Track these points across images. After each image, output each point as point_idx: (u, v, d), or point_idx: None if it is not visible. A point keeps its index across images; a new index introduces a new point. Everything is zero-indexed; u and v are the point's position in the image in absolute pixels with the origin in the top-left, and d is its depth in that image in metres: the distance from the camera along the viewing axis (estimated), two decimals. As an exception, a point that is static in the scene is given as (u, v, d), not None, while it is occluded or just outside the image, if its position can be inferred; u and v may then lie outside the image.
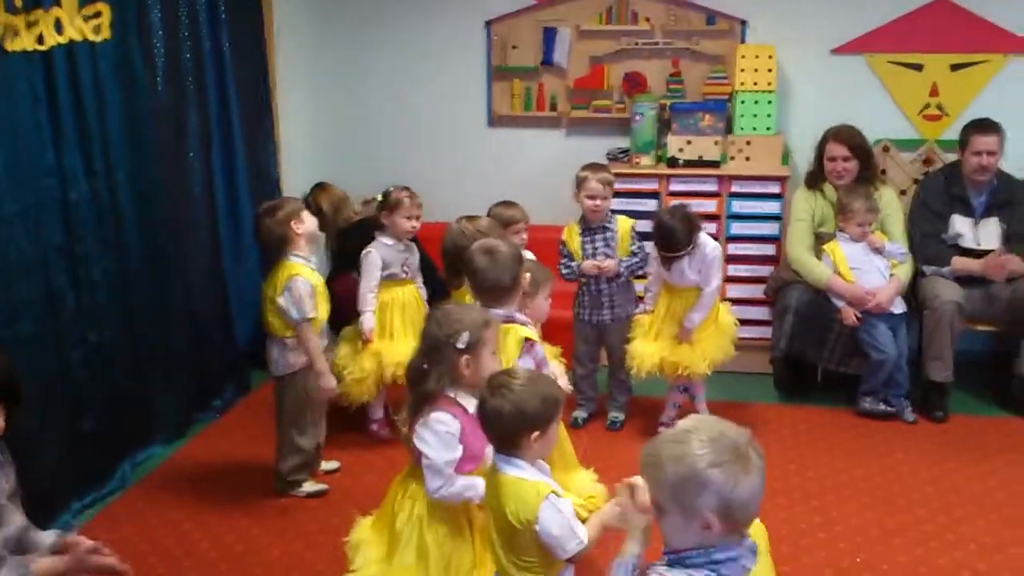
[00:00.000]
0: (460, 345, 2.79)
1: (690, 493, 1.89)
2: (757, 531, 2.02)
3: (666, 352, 4.52)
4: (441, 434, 2.76)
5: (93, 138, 4.04)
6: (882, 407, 4.81)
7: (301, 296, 3.85)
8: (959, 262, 4.89)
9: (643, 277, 4.77)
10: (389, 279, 4.51)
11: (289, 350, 3.96)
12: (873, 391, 4.81)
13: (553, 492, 2.46)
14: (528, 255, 4.47)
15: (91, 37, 3.99)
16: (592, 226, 4.62)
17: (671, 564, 1.93)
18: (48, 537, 2.85)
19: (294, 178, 5.53)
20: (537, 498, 2.43)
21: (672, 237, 4.35)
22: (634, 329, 4.65)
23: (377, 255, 4.48)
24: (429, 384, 2.82)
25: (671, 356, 4.50)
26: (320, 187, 4.99)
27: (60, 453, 3.84)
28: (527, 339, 3.25)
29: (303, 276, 3.88)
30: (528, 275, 3.44)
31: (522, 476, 2.48)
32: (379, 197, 4.52)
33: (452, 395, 2.81)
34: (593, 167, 4.65)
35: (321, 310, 3.97)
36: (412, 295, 4.58)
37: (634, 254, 4.63)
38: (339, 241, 4.91)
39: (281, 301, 3.87)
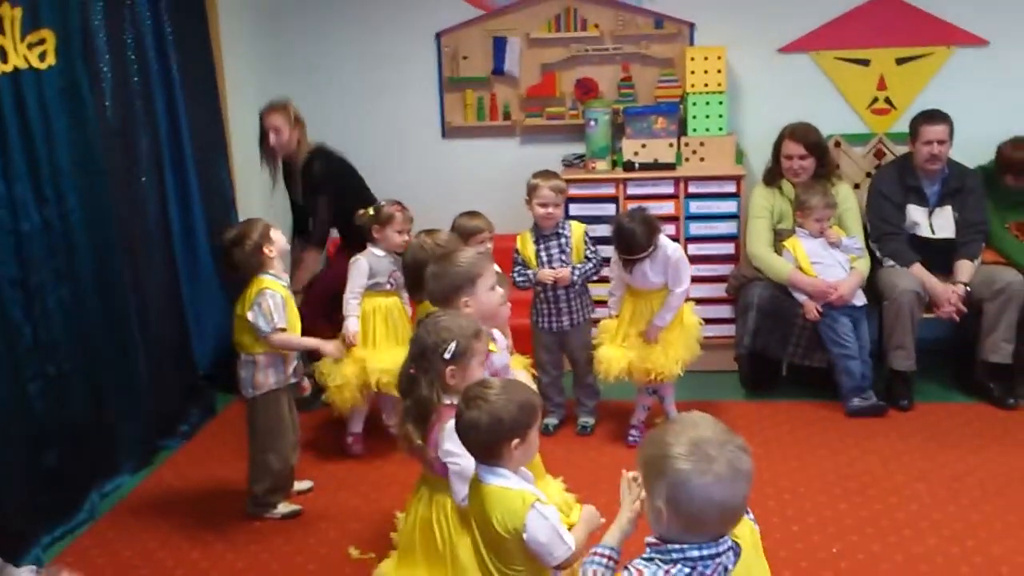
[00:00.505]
0: (446, 356, 2.79)
1: (649, 477, 1.93)
2: (745, 531, 2.02)
3: (634, 356, 4.52)
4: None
5: (42, 166, 3.97)
6: (872, 400, 4.83)
7: (271, 308, 3.83)
8: (920, 272, 4.94)
9: (601, 281, 4.78)
10: (374, 288, 4.51)
11: (259, 369, 3.92)
12: (856, 389, 4.83)
13: (538, 500, 2.45)
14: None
15: (36, 64, 3.92)
16: (546, 233, 4.63)
17: (648, 558, 1.93)
18: (25, 573, 2.80)
19: (248, 196, 5.48)
20: (523, 506, 2.42)
21: (632, 240, 4.36)
22: (600, 335, 4.66)
23: (365, 263, 4.49)
24: (422, 391, 2.81)
25: (640, 360, 4.50)
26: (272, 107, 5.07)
27: (24, 487, 3.75)
28: None
29: (272, 289, 3.87)
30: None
31: (507, 485, 2.46)
32: (371, 211, 4.51)
33: (450, 403, 2.79)
34: (544, 174, 4.65)
35: (294, 322, 3.94)
36: (396, 305, 4.56)
37: (588, 259, 4.63)
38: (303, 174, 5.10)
39: (250, 315, 3.85)
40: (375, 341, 4.48)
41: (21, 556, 3.58)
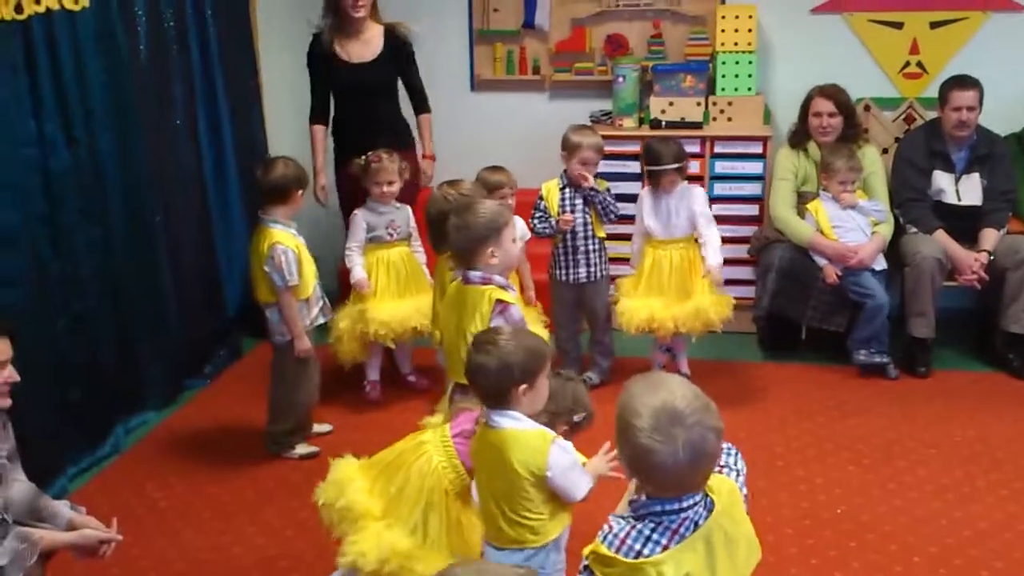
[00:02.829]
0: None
1: (617, 435, 1.96)
2: (723, 488, 2.03)
3: (656, 309, 4.53)
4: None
5: (73, 107, 4.03)
6: (877, 359, 4.83)
7: (283, 264, 3.91)
8: (943, 239, 4.92)
9: (617, 239, 4.81)
10: (374, 241, 4.57)
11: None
12: (867, 340, 4.83)
13: (557, 436, 2.50)
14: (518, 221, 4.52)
15: (70, 6, 3.97)
16: (574, 186, 4.64)
17: (623, 516, 1.99)
18: (65, 510, 2.91)
19: (281, 144, 5.53)
20: (545, 444, 2.46)
21: (661, 148, 4.53)
22: (618, 290, 4.69)
23: (361, 217, 4.54)
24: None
25: (660, 313, 4.51)
26: None
27: (50, 420, 3.87)
28: (499, 300, 3.25)
29: (283, 244, 3.93)
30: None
31: (522, 427, 2.51)
32: (361, 161, 4.55)
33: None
34: (583, 131, 4.63)
35: (308, 273, 4.02)
36: (400, 256, 4.61)
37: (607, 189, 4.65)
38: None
39: (267, 268, 3.94)
40: (376, 293, 4.53)
41: (47, 486, 3.65)
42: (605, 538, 1.96)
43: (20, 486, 2.91)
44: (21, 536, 2.73)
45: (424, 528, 2.83)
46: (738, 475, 2.16)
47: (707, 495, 1.98)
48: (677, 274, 4.57)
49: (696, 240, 4.59)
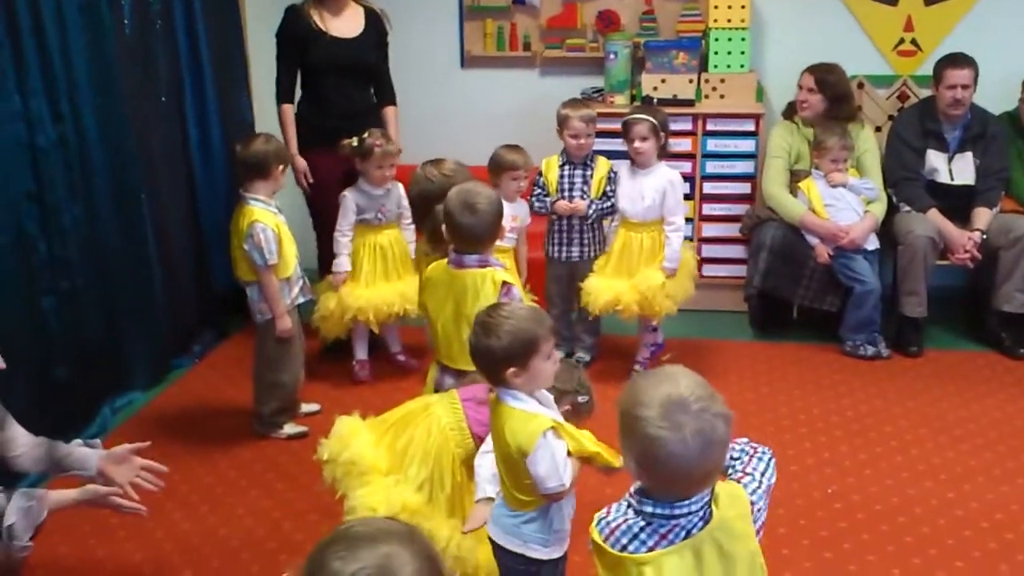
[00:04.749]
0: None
1: (622, 431, 1.90)
2: (727, 497, 1.96)
3: (622, 289, 4.49)
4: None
5: (59, 82, 3.97)
6: (861, 351, 4.82)
7: (262, 242, 3.86)
8: (936, 218, 4.89)
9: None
10: (363, 223, 4.52)
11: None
12: (857, 327, 4.82)
13: (554, 427, 2.47)
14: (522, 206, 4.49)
15: (54, -21, 3.92)
16: (574, 161, 4.60)
17: (625, 503, 1.95)
18: (91, 458, 2.94)
19: (268, 121, 5.46)
20: (536, 430, 2.44)
21: (638, 108, 4.52)
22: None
23: (351, 199, 4.48)
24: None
25: (628, 293, 4.47)
26: None
27: (35, 398, 3.83)
28: (504, 282, 3.21)
29: (263, 222, 3.88)
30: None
31: (522, 408, 2.50)
32: (354, 142, 4.49)
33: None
34: (574, 104, 4.62)
35: (288, 252, 3.98)
36: (388, 239, 4.57)
37: (607, 196, 4.61)
38: None
39: (246, 246, 3.89)
40: (359, 276, 4.50)
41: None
42: (599, 522, 1.94)
43: (26, 439, 2.89)
44: (28, 495, 2.71)
45: (430, 487, 2.84)
46: (759, 487, 2.04)
47: (709, 505, 1.92)
48: (646, 258, 4.52)
49: None
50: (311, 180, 4.70)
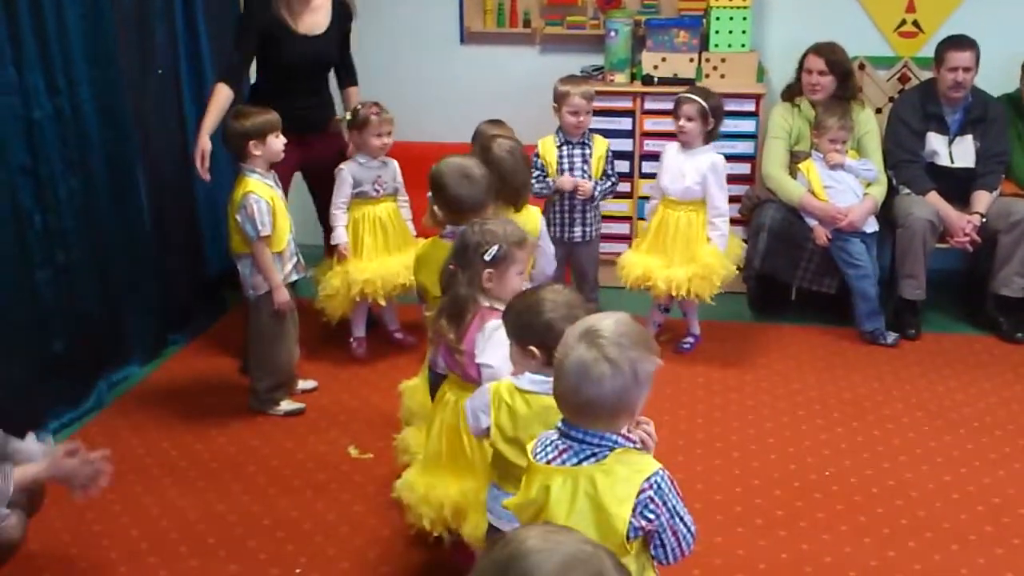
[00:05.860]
0: (487, 258, 2.80)
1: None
2: (628, 471, 1.98)
3: (654, 267, 4.49)
4: (503, 342, 2.66)
5: (54, 55, 3.94)
6: (890, 337, 4.77)
7: (254, 213, 3.84)
8: (935, 200, 4.88)
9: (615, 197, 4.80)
10: (359, 197, 4.49)
11: (257, 270, 3.96)
12: (871, 315, 4.80)
13: (502, 386, 2.48)
14: None
15: (49, -52, 3.87)
16: (571, 140, 4.56)
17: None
18: (36, 448, 2.91)
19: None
20: (489, 388, 2.52)
21: (692, 88, 4.49)
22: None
23: (348, 172, 4.45)
24: (459, 288, 2.83)
25: (657, 273, 4.47)
26: None
27: (31, 372, 3.82)
28: None
29: (256, 193, 3.86)
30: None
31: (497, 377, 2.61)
32: (348, 116, 4.45)
33: (488, 306, 2.81)
34: (573, 80, 4.58)
35: (282, 226, 3.95)
36: (387, 212, 4.54)
37: (607, 176, 4.58)
38: None
39: (238, 217, 3.87)
40: (361, 251, 4.47)
41: (28, 440, 3.66)
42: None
43: None
44: None
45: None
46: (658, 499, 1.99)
47: (608, 451, 1.99)
48: (682, 237, 4.50)
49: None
50: (208, 166, 4.28)
